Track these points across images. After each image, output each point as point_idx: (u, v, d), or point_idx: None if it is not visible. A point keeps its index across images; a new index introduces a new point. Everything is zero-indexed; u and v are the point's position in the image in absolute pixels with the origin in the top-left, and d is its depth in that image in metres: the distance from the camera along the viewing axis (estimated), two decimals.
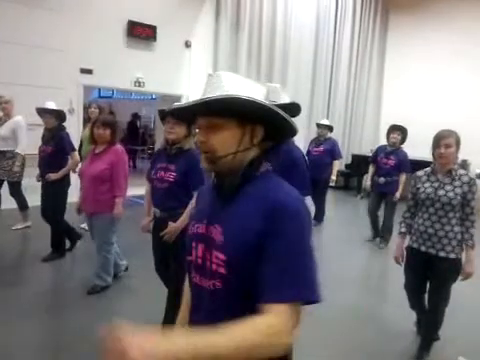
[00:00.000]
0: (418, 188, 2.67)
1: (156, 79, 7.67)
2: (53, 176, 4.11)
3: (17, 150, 4.84)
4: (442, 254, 2.53)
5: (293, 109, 2.33)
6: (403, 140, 5.31)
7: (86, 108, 8.04)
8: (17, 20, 6.04)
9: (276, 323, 0.86)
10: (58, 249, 4.33)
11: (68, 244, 4.50)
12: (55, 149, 4.15)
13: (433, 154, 2.60)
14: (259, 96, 1.02)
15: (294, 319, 0.88)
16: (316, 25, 9.81)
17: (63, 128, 4.29)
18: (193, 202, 2.54)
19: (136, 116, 12.76)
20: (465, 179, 2.52)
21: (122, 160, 3.47)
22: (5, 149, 4.87)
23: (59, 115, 4.24)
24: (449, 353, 2.90)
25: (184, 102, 1.03)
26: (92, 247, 4.27)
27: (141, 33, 7.34)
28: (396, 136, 5.23)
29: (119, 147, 3.51)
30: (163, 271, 2.92)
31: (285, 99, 2.31)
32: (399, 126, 5.28)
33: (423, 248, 2.61)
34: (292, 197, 1.01)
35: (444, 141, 2.50)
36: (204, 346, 0.81)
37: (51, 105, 4.25)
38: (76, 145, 4.75)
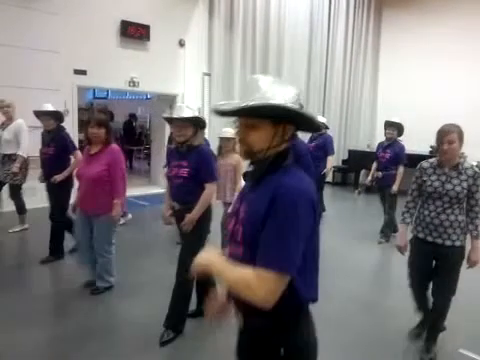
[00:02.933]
0: (424, 180, 2.69)
1: (151, 79, 7.65)
2: (59, 177, 4.12)
3: (19, 152, 4.84)
4: (448, 243, 2.60)
5: None
6: (400, 134, 5.43)
7: (88, 109, 8.01)
8: (10, 22, 6.00)
9: (254, 280, 1.11)
10: (56, 251, 4.31)
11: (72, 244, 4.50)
12: (58, 150, 4.15)
13: (437, 149, 2.64)
14: (293, 98, 1.19)
15: (269, 283, 1.10)
16: (310, 22, 9.82)
17: (62, 128, 4.29)
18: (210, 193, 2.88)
19: (133, 116, 12.71)
20: (470, 172, 2.58)
21: (119, 160, 3.43)
22: (10, 152, 4.88)
23: (57, 116, 4.23)
24: (450, 346, 2.91)
25: (227, 104, 1.21)
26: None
27: (135, 33, 7.31)
28: (391, 132, 5.39)
29: (115, 147, 3.46)
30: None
31: None
32: (392, 122, 5.41)
33: (430, 238, 2.66)
34: (299, 186, 1.18)
35: (447, 137, 2.53)
36: (227, 270, 1.18)
37: (48, 107, 4.23)
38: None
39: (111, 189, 3.36)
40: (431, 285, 2.77)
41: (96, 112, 5.02)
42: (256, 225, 1.16)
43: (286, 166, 1.24)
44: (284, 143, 1.24)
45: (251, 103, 1.13)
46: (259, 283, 1.10)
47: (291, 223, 1.12)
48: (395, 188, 5.27)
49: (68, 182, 4.27)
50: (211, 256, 1.22)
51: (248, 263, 1.16)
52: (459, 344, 2.95)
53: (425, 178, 2.69)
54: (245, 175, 1.35)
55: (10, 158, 4.88)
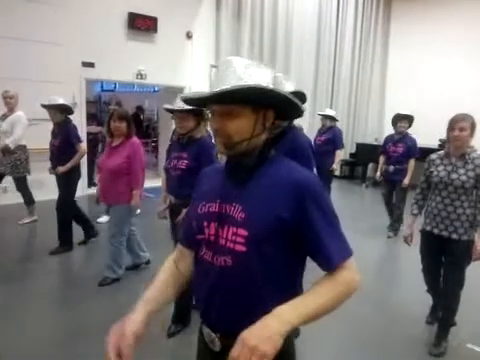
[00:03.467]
0: (431, 171, 2.70)
1: (158, 71, 7.63)
2: (61, 169, 4.16)
3: (6, 141, 4.80)
4: (454, 236, 2.58)
5: (298, 98, 2.31)
6: (409, 126, 5.36)
7: (96, 102, 8.01)
8: (17, 15, 6.01)
9: (348, 274, 1.05)
10: (65, 242, 4.36)
11: (82, 237, 4.58)
12: (62, 142, 4.19)
13: (447, 137, 2.63)
14: (269, 80, 1.08)
15: (354, 265, 1.08)
16: (318, 13, 9.70)
17: (69, 121, 4.31)
18: None
19: (140, 109, 12.71)
20: (478, 162, 2.56)
21: (139, 153, 3.54)
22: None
23: (63, 109, 4.25)
24: (458, 340, 2.89)
25: (196, 92, 1.09)
26: (98, 239, 4.30)
27: (142, 25, 7.28)
28: (404, 124, 5.29)
29: (136, 140, 3.57)
30: None
31: (289, 88, 2.29)
32: (406, 115, 5.32)
33: (436, 231, 2.66)
34: (310, 175, 1.12)
35: (459, 124, 2.53)
36: (309, 312, 0.97)
37: (56, 99, 4.22)
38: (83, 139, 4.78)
39: (129, 181, 3.47)
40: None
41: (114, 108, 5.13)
42: (269, 225, 1.04)
43: (273, 156, 1.15)
44: (265, 132, 1.12)
45: (233, 86, 1.00)
46: (354, 274, 1.07)
47: (331, 210, 1.09)
48: (406, 181, 5.22)
49: (74, 173, 4.31)
50: (262, 331, 0.89)
51: (236, 274, 1.06)
52: (466, 338, 2.94)
53: (432, 169, 2.70)
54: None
55: (8, 149, 4.87)
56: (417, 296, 3.00)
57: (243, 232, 1.05)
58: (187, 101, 1.15)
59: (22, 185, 5.08)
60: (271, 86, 1.06)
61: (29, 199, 5.20)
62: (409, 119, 5.29)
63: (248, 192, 1.09)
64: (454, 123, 2.56)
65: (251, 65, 1.07)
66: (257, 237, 1.04)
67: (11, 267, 3.93)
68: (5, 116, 4.95)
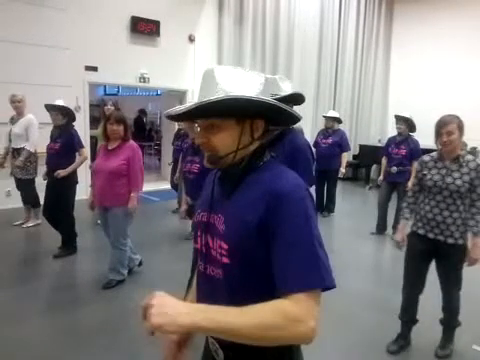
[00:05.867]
0: (424, 174, 2.61)
1: (161, 74, 7.67)
2: (62, 172, 4.14)
3: (26, 146, 4.89)
4: (450, 240, 2.51)
5: (296, 99, 2.31)
6: (411, 129, 5.29)
7: (100, 106, 8.07)
8: (21, 19, 6.05)
9: (295, 310, 0.84)
10: (69, 245, 4.37)
11: (86, 241, 4.57)
12: (63, 146, 4.19)
13: (437, 142, 2.56)
14: (256, 87, 1.01)
15: (314, 307, 0.86)
16: (320, 16, 9.72)
17: (72, 126, 4.32)
18: None
19: (143, 112, 12.76)
20: (472, 165, 2.48)
21: (138, 155, 3.56)
22: (20, 147, 4.93)
23: (66, 112, 4.27)
24: (463, 341, 2.88)
25: (181, 106, 1.03)
26: (101, 243, 4.31)
27: (145, 29, 7.32)
28: (400, 126, 5.23)
29: (134, 143, 3.58)
30: None
31: (286, 90, 2.26)
32: (401, 116, 5.25)
33: (431, 235, 2.57)
34: (294, 184, 0.99)
35: (445, 129, 2.45)
36: (222, 321, 0.83)
37: (59, 102, 4.25)
38: (84, 143, 4.77)
39: (127, 183, 3.47)
40: (428, 288, 2.71)
41: (109, 109, 5.14)
42: (247, 237, 0.96)
43: (266, 163, 1.06)
44: (255, 142, 1.04)
45: (205, 100, 0.94)
46: (303, 312, 0.84)
47: (311, 224, 0.94)
48: (410, 184, 5.17)
49: (72, 180, 4.30)
50: (168, 305, 0.84)
51: (228, 287, 1.01)
52: (472, 340, 2.92)
53: (425, 172, 2.61)
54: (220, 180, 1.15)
55: (20, 153, 4.92)
56: (421, 297, 2.98)
57: (224, 245, 1.00)
58: (170, 118, 1.10)
59: (29, 187, 5.09)
60: (254, 94, 0.97)
61: (34, 202, 5.21)
62: (405, 120, 5.20)
63: (230, 203, 1.03)
64: (440, 128, 2.47)
65: (236, 72, 1.01)
66: (236, 249, 0.98)
67: (15, 270, 3.95)
68: (14, 120, 4.98)
